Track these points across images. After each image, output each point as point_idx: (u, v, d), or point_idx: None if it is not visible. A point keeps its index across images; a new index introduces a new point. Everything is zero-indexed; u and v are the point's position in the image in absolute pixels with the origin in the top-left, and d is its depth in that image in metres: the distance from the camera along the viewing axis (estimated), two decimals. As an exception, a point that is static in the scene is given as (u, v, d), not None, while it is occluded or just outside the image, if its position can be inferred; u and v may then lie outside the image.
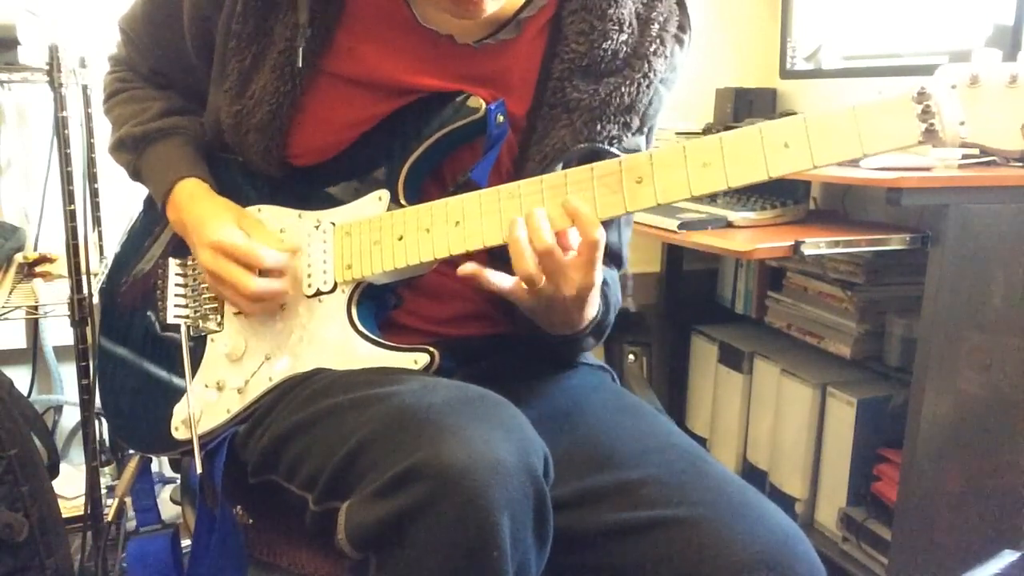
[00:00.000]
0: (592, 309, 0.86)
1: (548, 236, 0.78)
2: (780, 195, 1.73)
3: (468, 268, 0.81)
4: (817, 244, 1.48)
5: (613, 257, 1.00)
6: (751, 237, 1.53)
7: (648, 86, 0.90)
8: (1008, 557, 1.35)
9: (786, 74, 2.20)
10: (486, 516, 0.64)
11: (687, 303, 2.27)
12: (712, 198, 1.78)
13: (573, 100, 0.89)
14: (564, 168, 0.89)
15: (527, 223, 0.79)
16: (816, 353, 1.85)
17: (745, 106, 2.10)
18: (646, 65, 0.89)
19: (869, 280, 1.72)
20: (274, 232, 0.93)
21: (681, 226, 1.58)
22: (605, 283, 0.94)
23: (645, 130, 0.94)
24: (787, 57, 2.19)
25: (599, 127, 0.89)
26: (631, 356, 1.75)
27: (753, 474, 2.00)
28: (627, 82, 0.89)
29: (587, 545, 0.78)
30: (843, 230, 1.60)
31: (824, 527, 1.82)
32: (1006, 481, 1.55)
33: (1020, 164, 1.54)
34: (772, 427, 1.94)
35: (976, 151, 1.56)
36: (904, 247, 1.52)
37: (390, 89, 0.90)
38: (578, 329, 0.88)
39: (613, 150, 0.89)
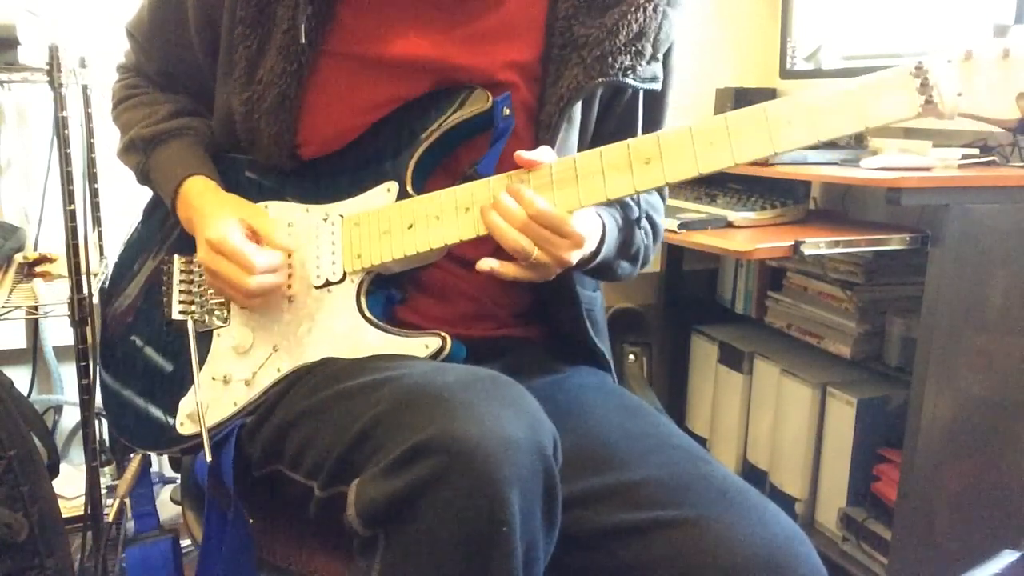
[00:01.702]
0: (590, 244, 0.87)
1: (520, 212, 0.80)
2: (780, 195, 1.73)
3: (486, 264, 0.83)
4: (817, 244, 1.48)
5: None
6: (751, 237, 1.53)
7: (655, 9, 0.89)
8: (1008, 557, 1.35)
9: (786, 74, 2.20)
10: (496, 491, 0.64)
11: (687, 303, 2.27)
12: (712, 198, 1.78)
13: (581, 37, 0.89)
14: (584, 105, 0.91)
15: (497, 209, 0.81)
16: (816, 353, 1.85)
17: (745, 106, 2.09)
18: None
19: (869, 280, 1.72)
20: (273, 223, 0.93)
21: (681, 226, 1.58)
22: (626, 205, 0.96)
23: (659, 57, 0.92)
24: (787, 57, 2.19)
25: (611, 60, 0.88)
26: (631, 356, 1.75)
27: (753, 474, 2.00)
28: (632, 9, 0.88)
29: (588, 546, 0.78)
30: (843, 230, 1.60)
31: (824, 527, 1.82)
32: (1006, 481, 1.55)
33: (1020, 164, 1.55)
34: (772, 427, 1.94)
35: (976, 151, 1.56)
36: (904, 247, 1.52)
37: (397, 63, 0.90)
38: (584, 262, 0.88)
39: (630, 81, 0.89)
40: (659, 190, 1.04)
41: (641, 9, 0.88)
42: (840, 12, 2.08)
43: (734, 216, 1.63)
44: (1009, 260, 1.45)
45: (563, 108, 0.89)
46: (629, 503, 0.78)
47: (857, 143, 1.73)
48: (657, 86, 0.93)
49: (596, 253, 0.88)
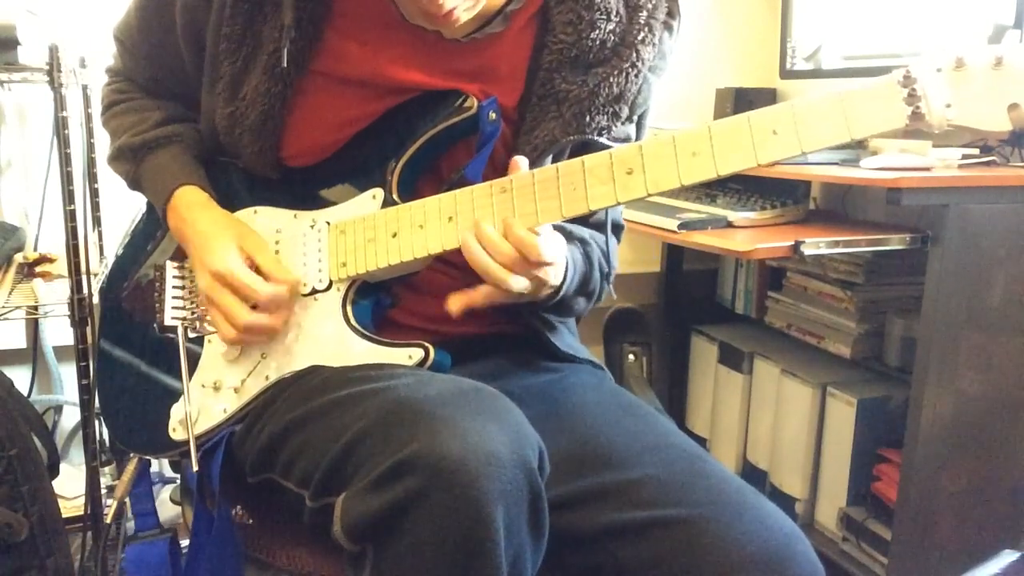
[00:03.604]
0: (555, 279, 0.87)
1: (506, 247, 0.80)
2: (780, 195, 1.72)
3: (456, 305, 0.83)
4: (817, 244, 1.48)
5: (598, 226, 1.00)
6: (751, 237, 1.53)
7: (637, 75, 0.90)
8: (1008, 557, 1.35)
9: (786, 74, 2.20)
10: (480, 507, 0.64)
11: (687, 303, 2.27)
12: (712, 198, 1.78)
13: (562, 92, 0.89)
14: (555, 159, 0.90)
15: (481, 242, 0.80)
16: (816, 353, 1.85)
17: (745, 106, 2.09)
18: (634, 54, 0.89)
19: (869, 280, 1.72)
20: (274, 255, 0.93)
21: (681, 226, 1.57)
22: (586, 242, 0.95)
23: (635, 118, 0.94)
24: (787, 57, 2.19)
25: (588, 119, 0.89)
26: (631, 356, 1.74)
27: (753, 474, 2.00)
28: (615, 72, 0.89)
29: (586, 545, 0.78)
30: (843, 230, 1.60)
31: (824, 527, 1.82)
32: (1006, 481, 1.55)
33: (1020, 164, 1.55)
34: (772, 427, 1.94)
35: (976, 151, 1.56)
36: (904, 247, 1.52)
37: (380, 87, 0.90)
38: (546, 297, 0.89)
39: (603, 140, 0.89)
40: (615, 233, 1.04)
41: (624, 73, 0.89)
42: (840, 12, 2.08)
43: (734, 216, 1.63)
44: (1009, 260, 1.45)
45: (536, 158, 0.89)
46: (627, 502, 0.78)
47: (857, 143, 1.73)
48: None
49: (559, 289, 0.88)
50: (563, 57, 0.89)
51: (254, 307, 0.88)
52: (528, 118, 0.90)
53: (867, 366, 1.76)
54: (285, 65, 0.87)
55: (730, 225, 1.62)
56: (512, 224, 0.80)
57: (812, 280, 1.86)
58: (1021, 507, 1.56)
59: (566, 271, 0.88)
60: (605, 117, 0.90)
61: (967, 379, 1.47)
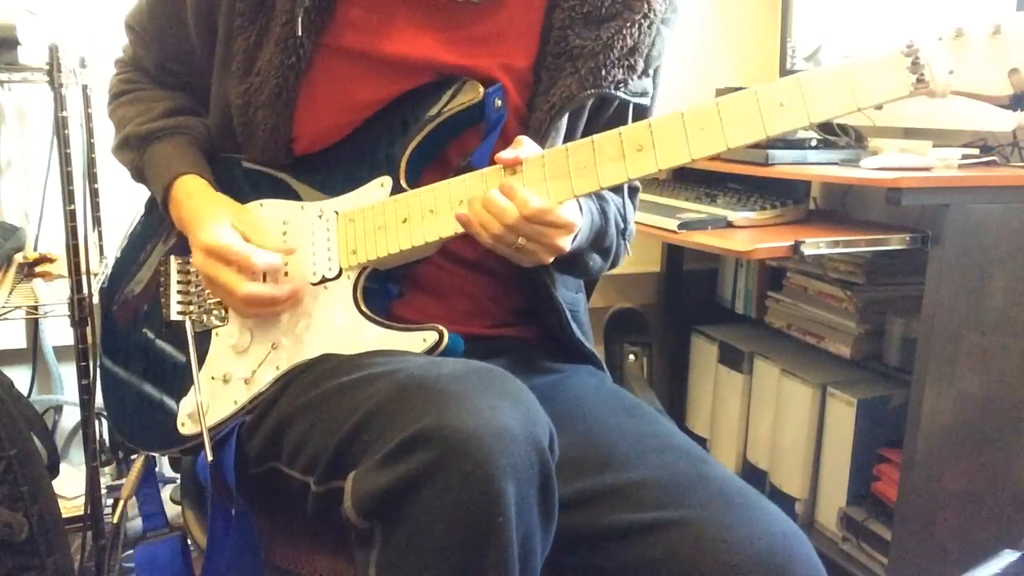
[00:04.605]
0: (582, 228, 0.88)
1: (512, 210, 0.81)
2: (780, 195, 1.72)
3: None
4: (817, 244, 1.48)
5: (614, 189, 1.00)
6: (751, 237, 1.53)
7: (649, 26, 0.90)
8: (1008, 557, 1.34)
9: (786, 74, 2.20)
10: (492, 482, 0.64)
11: (687, 303, 2.27)
12: (712, 198, 1.78)
13: (576, 48, 0.90)
14: (572, 119, 0.91)
15: (489, 208, 0.81)
16: (816, 353, 1.85)
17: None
18: (645, 6, 0.90)
19: (869, 280, 1.72)
20: (272, 231, 0.93)
21: (681, 226, 1.57)
22: (602, 198, 0.96)
23: (650, 72, 0.94)
24: (787, 57, 2.19)
25: (604, 72, 0.89)
26: (631, 356, 1.74)
27: (753, 474, 2.00)
28: (628, 24, 0.89)
29: (587, 546, 0.78)
30: (843, 230, 1.60)
31: (824, 527, 1.82)
32: (1006, 481, 1.55)
33: (1020, 164, 1.55)
34: (772, 427, 1.94)
35: (976, 151, 1.56)
36: (904, 247, 1.52)
37: (390, 65, 0.90)
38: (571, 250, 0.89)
39: (621, 95, 0.90)
40: (631, 195, 1.04)
41: (636, 25, 0.89)
42: (840, 12, 2.08)
43: (734, 216, 1.63)
44: (1009, 260, 1.45)
45: (554, 116, 0.89)
46: (628, 503, 0.78)
47: (857, 143, 1.73)
48: (646, 101, 0.95)
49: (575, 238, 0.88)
50: (575, 14, 0.90)
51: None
52: (544, 78, 0.91)
53: (867, 366, 1.76)
54: (300, 33, 0.87)
55: (730, 225, 1.62)
56: (511, 185, 0.81)
57: (812, 280, 1.86)
58: (1021, 507, 1.56)
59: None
60: (621, 70, 0.90)
61: (967, 379, 1.47)
